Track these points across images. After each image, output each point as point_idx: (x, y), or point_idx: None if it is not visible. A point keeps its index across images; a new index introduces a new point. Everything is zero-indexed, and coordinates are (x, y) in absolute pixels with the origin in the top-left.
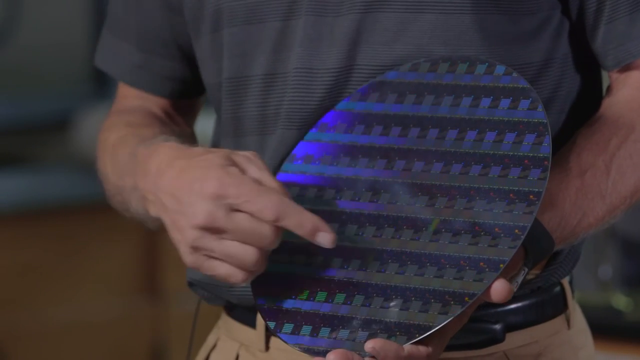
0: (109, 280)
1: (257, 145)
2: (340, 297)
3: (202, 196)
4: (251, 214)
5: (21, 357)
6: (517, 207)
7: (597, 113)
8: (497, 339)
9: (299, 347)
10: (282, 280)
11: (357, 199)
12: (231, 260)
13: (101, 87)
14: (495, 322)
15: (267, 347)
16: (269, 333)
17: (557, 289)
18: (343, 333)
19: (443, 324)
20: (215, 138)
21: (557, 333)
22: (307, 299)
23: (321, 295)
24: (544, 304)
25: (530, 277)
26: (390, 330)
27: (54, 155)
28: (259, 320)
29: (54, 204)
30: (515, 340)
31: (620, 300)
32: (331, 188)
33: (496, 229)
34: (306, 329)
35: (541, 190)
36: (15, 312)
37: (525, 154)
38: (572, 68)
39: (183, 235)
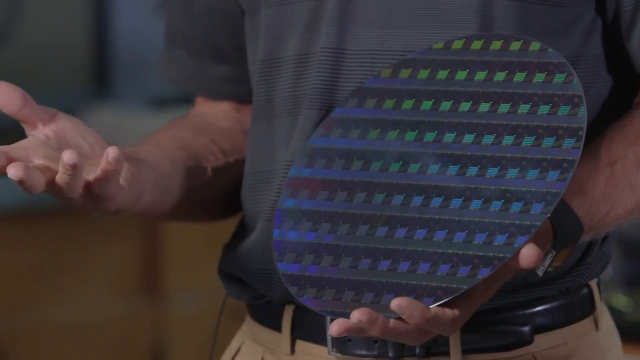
0: (109, 280)
1: (289, 127)
2: (365, 263)
3: None
4: None
5: (21, 357)
6: (549, 174)
7: (628, 112)
8: (525, 341)
9: (322, 311)
10: (305, 247)
11: (385, 169)
12: None
13: (101, 87)
14: (524, 324)
15: (292, 351)
16: (294, 336)
17: (585, 290)
18: (367, 296)
19: (470, 286)
20: None
21: (585, 335)
22: (332, 265)
23: (346, 261)
24: (572, 306)
25: (551, 269)
26: (417, 293)
27: None
28: (285, 323)
29: (54, 204)
30: (543, 342)
31: (621, 301)
32: (359, 160)
33: (528, 196)
34: (329, 293)
35: (575, 158)
36: (15, 312)
37: (560, 125)
38: (605, 70)
39: None
